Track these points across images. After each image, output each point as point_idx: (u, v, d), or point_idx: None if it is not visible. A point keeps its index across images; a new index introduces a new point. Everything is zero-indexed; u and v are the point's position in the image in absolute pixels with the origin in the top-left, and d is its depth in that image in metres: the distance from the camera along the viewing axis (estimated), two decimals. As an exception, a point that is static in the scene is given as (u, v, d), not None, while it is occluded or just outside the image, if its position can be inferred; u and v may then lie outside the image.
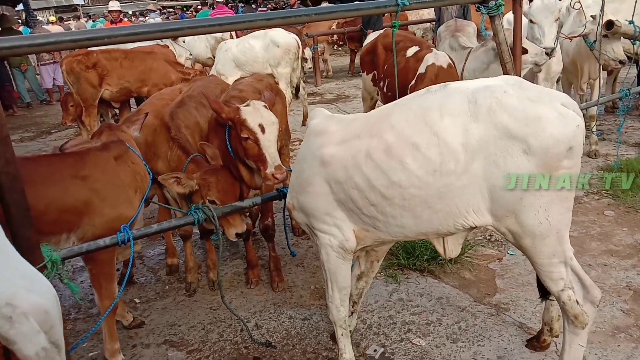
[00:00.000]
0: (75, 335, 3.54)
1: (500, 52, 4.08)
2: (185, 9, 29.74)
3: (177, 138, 3.57)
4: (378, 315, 3.49)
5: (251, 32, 8.45)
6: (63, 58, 8.44)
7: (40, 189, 2.76)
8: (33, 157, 3.32)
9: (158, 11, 28.57)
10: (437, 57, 4.41)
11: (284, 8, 18.71)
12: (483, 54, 5.10)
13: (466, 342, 3.16)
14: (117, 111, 8.32)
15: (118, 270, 3.72)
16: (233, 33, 9.65)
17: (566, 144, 2.17)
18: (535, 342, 3.04)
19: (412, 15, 12.62)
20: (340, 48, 14.81)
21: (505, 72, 4.04)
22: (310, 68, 12.23)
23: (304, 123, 8.14)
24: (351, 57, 13.20)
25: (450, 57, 4.50)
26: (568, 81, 6.21)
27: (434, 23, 9.73)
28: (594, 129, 5.99)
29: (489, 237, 4.35)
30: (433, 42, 6.70)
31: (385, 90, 4.89)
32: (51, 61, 11.92)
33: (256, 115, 3.10)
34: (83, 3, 34.87)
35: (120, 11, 11.31)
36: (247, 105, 3.11)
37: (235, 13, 16.03)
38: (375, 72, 5.07)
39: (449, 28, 5.93)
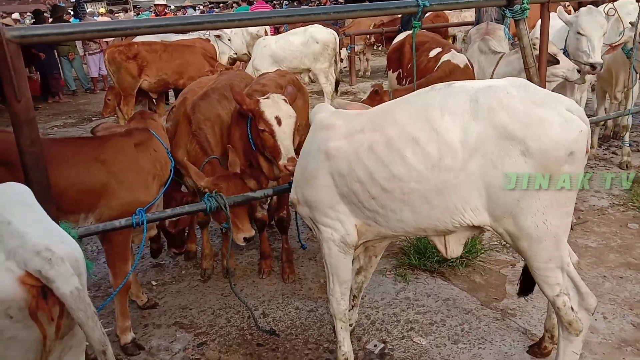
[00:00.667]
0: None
1: (524, 56, 4.03)
2: (221, 5, 30.27)
3: (197, 135, 3.70)
4: (383, 312, 3.53)
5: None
6: (106, 48, 8.80)
7: (63, 169, 2.95)
8: (58, 139, 3.54)
9: (195, 8, 29.11)
10: (454, 57, 4.43)
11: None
12: (516, 61, 5.03)
13: (467, 344, 3.17)
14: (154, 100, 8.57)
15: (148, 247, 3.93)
16: (268, 29, 9.82)
17: (567, 149, 2.16)
18: (537, 349, 3.03)
19: (453, 17, 12.50)
20: (380, 48, 14.82)
21: (529, 77, 4.00)
22: (345, 67, 12.31)
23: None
24: (388, 57, 13.19)
25: (469, 60, 4.50)
26: (602, 89, 6.06)
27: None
28: (627, 139, 5.82)
29: (504, 243, 4.31)
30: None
31: None
32: (98, 51, 12.38)
33: (274, 108, 3.19)
34: (134, -6, 35.90)
35: (165, 5, 11.67)
36: (266, 98, 3.21)
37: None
38: (400, 70, 5.11)
39: (480, 31, 5.88)
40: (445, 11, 12.98)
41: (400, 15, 9.59)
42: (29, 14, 16.52)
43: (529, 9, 3.74)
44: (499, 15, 6.83)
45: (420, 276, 3.93)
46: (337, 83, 9.10)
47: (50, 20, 12.53)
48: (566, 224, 2.32)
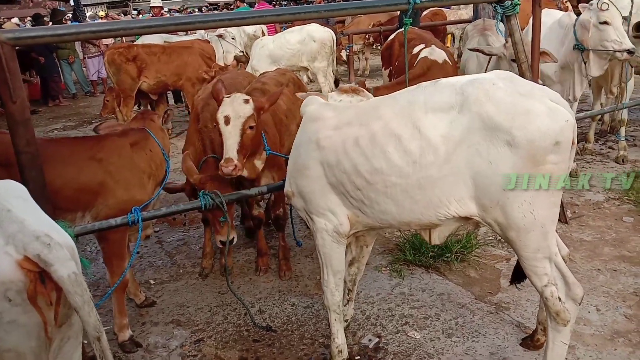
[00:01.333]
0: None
1: (516, 52, 4.06)
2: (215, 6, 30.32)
3: (202, 133, 3.76)
4: (378, 307, 3.57)
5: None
6: (106, 50, 8.86)
7: (60, 167, 3.02)
8: (55, 139, 3.58)
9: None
10: (432, 52, 4.48)
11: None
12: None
13: (461, 338, 3.20)
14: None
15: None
16: (265, 30, 9.87)
17: (553, 138, 2.19)
18: (530, 341, 3.06)
19: (450, 15, 12.54)
20: (379, 47, 14.84)
21: (521, 73, 4.03)
22: (344, 68, 12.34)
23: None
24: (387, 56, 13.22)
25: (448, 54, 4.59)
26: (598, 84, 6.08)
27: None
28: (622, 134, 5.84)
29: (499, 238, 4.33)
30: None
31: None
32: (97, 54, 12.44)
33: (227, 107, 3.17)
34: (134, -3, 36.03)
35: (161, 7, 11.73)
36: (228, 97, 3.21)
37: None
38: (390, 67, 5.15)
39: (477, 27, 5.91)
40: (444, 9, 13.08)
41: (397, 14, 9.62)
42: (29, 18, 16.61)
43: (519, 4, 3.76)
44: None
45: (416, 272, 3.96)
46: (336, 82, 9.14)
47: (50, 24, 12.58)
48: (553, 214, 2.35)
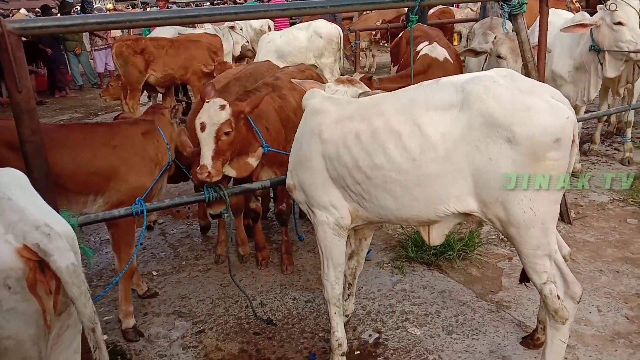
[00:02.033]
0: (94, 301, 3.78)
1: (522, 51, 4.05)
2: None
3: None
4: (379, 303, 3.57)
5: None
6: (113, 43, 8.89)
7: (74, 152, 3.11)
8: (70, 125, 3.71)
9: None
10: (433, 50, 4.48)
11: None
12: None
13: (461, 335, 3.20)
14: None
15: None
16: (271, 25, 9.87)
17: (553, 135, 2.19)
18: (530, 340, 3.06)
19: (457, 14, 12.50)
20: (386, 45, 14.80)
21: (527, 72, 4.02)
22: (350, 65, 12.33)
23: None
24: (394, 53, 13.21)
25: (451, 53, 4.60)
26: (605, 85, 6.03)
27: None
28: (629, 135, 5.81)
29: (502, 237, 4.33)
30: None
31: None
32: (104, 47, 12.48)
33: (204, 113, 3.17)
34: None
35: (167, 1, 11.75)
36: (207, 102, 3.20)
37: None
38: (398, 64, 5.15)
39: (484, 25, 5.89)
40: (452, 8, 13.03)
41: (405, 11, 9.60)
42: (37, 9, 16.67)
43: (526, 3, 3.75)
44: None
45: (417, 269, 3.97)
46: None
47: (59, 16, 12.62)
48: (554, 211, 2.34)
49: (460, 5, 14.21)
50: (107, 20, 2.75)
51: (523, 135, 2.16)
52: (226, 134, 3.15)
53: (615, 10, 4.79)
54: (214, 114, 3.14)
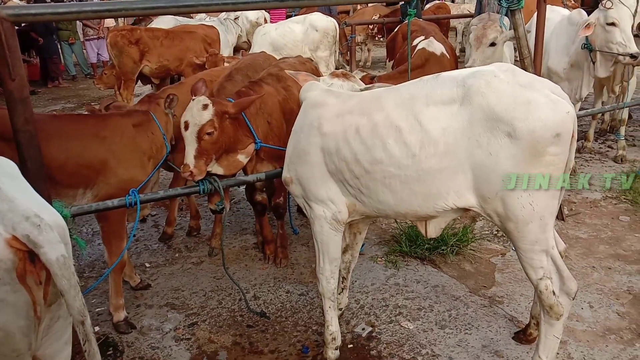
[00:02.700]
0: (90, 290, 3.76)
1: (519, 47, 4.05)
2: None
3: None
4: (372, 297, 3.58)
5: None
6: (109, 31, 8.82)
7: (64, 143, 3.05)
8: (60, 115, 3.61)
9: None
10: (430, 44, 4.50)
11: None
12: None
13: (454, 329, 3.21)
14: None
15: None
16: (267, 17, 9.82)
17: (554, 130, 2.19)
18: (522, 335, 3.08)
19: (453, 9, 12.49)
20: (381, 39, 14.77)
21: (523, 68, 4.01)
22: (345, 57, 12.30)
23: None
24: (389, 48, 13.19)
25: (447, 47, 4.62)
26: (600, 83, 6.05)
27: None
28: (622, 133, 5.84)
29: (496, 233, 4.35)
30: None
31: None
32: (95, 37, 12.37)
33: (187, 112, 3.14)
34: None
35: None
36: (193, 99, 3.16)
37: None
38: (394, 59, 5.14)
39: (482, 21, 5.88)
40: (448, 3, 13.02)
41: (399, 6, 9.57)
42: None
43: (524, -2, 3.75)
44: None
45: (411, 263, 3.97)
46: None
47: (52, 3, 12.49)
48: (552, 207, 2.35)
49: (457, 0, 14.19)
50: (103, 9, 2.71)
51: (524, 130, 2.16)
52: (209, 134, 3.10)
53: (610, 7, 4.81)
54: (196, 113, 3.10)
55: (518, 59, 4.22)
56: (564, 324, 2.49)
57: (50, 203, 2.79)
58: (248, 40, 9.44)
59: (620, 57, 4.71)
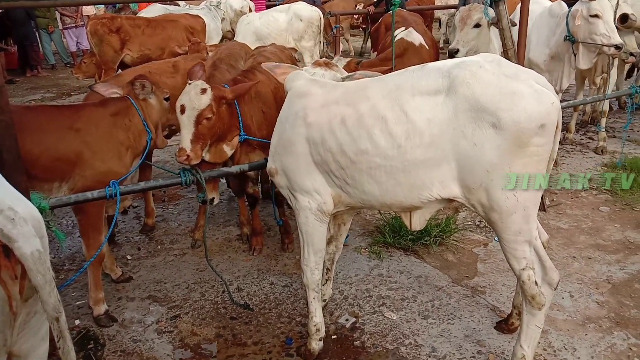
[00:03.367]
0: (68, 284, 3.70)
1: (502, 38, 4.07)
2: None
3: None
4: (356, 288, 3.58)
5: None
6: (89, 19, 8.65)
7: (37, 136, 2.95)
8: (34, 107, 3.50)
9: None
10: (408, 35, 4.55)
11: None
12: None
13: (436, 319, 3.23)
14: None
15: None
16: (252, 6, 9.72)
17: (538, 121, 2.20)
18: (504, 325, 3.10)
19: (438, 0, 12.47)
20: (361, 29, 14.70)
21: (507, 59, 4.02)
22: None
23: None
24: (373, 38, 13.16)
25: (427, 39, 4.67)
26: (582, 75, 6.11)
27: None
28: (603, 125, 5.91)
29: (478, 223, 4.38)
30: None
31: None
32: (73, 25, 12.11)
33: (185, 95, 3.11)
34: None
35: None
36: (189, 84, 3.13)
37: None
38: (377, 50, 5.15)
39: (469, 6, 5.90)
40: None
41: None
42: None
43: (508, -10, 3.75)
44: (485, -1, 6.85)
45: (394, 254, 3.98)
46: None
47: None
48: (536, 198, 2.36)
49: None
50: (79, -4, 2.64)
51: (508, 120, 2.16)
52: (207, 119, 3.09)
53: (595, 0, 4.83)
54: (194, 97, 3.07)
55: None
56: (546, 313, 2.52)
57: (29, 195, 2.76)
58: (232, 29, 9.34)
59: (605, 48, 4.76)
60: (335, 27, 11.46)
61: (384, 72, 2.93)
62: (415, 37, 4.78)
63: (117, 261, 3.88)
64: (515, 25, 4.34)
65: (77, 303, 3.51)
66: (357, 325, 3.21)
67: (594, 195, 4.89)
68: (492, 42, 5.12)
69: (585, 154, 5.93)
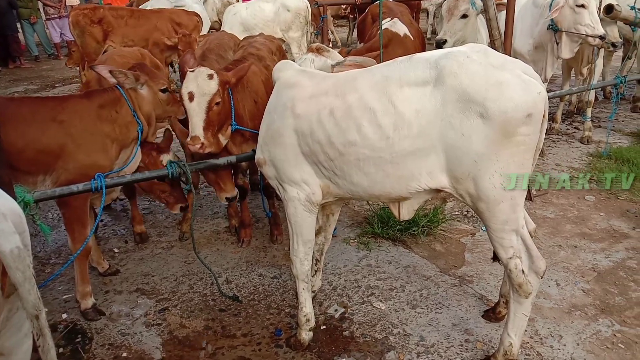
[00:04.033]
0: (53, 278, 3.66)
1: (490, 28, 4.06)
2: None
3: None
4: (345, 278, 3.59)
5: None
6: (71, 10, 8.51)
7: (20, 128, 2.90)
8: (17, 98, 3.43)
9: None
10: (393, 25, 4.59)
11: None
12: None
13: (425, 309, 3.25)
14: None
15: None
16: (240, -4, 9.64)
17: (525, 110, 2.20)
18: (491, 313, 3.13)
19: (425, -9, 12.46)
20: (352, 19, 14.64)
21: (494, 50, 4.03)
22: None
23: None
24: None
25: (413, 30, 4.68)
26: (568, 65, 6.15)
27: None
28: (589, 115, 5.96)
29: (466, 213, 4.40)
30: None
31: None
32: (56, 16, 11.92)
33: (191, 83, 3.06)
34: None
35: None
36: (192, 71, 3.09)
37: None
38: (364, 41, 5.14)
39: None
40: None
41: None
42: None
43: (495, -21, 3.75)
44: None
45: (383, 244, 4.00)
46: None
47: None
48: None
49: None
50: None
51: (496, 110, 2.17)
52: (217, 104, 3.06)
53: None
54: (203, 83, 3.03)
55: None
56: (533, 301, 2.54)
57: (12, 188, 2.72)
58: (219, 19, 9.25)
59: (590, 39, 4.78)
60: (322, 17, 11.43)
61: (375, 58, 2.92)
62: (399, 28, 4.78)
63: (104, 254, 3.86)
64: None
65: (64, 297, 3.48)
66: (346, 315, 3.22)
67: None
68: (479, 32, 5.14)
69: (571, 144, 5.98)
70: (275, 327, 3.14)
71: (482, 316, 3.16)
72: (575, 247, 3.91)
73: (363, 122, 2.36)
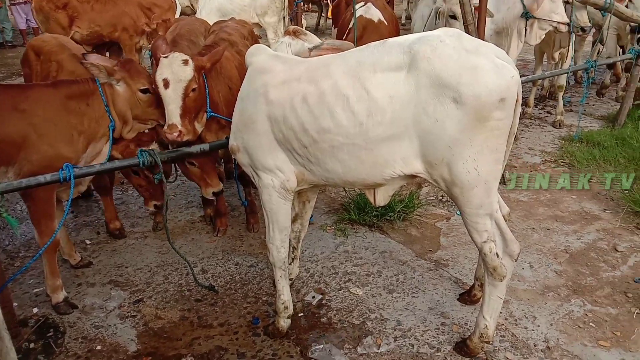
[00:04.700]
0: (23, 272, 3.56)
1: (463, 13, 4.07)
2: None
3: None
4: (322, 265, 3.58)
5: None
6: (32, -3, 8.23)
7: None
8: None
9: None
10: (367, 11, 4.62)
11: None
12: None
13: (401, 293, 3.27)
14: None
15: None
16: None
17: (498, 94, 2.19)
18: (467, 296, 3.17)
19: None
20: (325, 5, 14.53)
21: (467, 34, 4.03)
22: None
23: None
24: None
25: (387, 14, 4.72)
26: (540, 50, 6.21)
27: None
28: (562, 99, 6.04)
29: (441, 198, 4.43)
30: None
31: None
32: (22, 1, 11.53)
33: (165, 69, 2.97)
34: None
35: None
36: (166, 57, 3.01)
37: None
38: (338, 26, 5.11)
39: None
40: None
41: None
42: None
43: (469, -36, 3.74)
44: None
45: (360, 230, 4.00)
46: None
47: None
48: (497, 171, 2.37)
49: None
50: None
51: (469, 95, 2.15)
52: (193, 90, 2.99)
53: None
54: (178, 69, 2.95)
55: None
56: (507, 284, 2.57)
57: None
58: (191, 5, 9.05)
59: (563, 27, 4.88)
60: (296, 2, 11.31)
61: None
62: (373, 13, 4.78)
63: (76, 246, 3.77)
64: None
65: (35, 290, 3.40)
66: (324, 302, 3.22)
67: (552, 168, 5.01)
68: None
69: (544, 128, 6.06)
70: (253, 315, 3.12)
71: (458, 299, 3.19)
72: (548, 229, 3.98)
73: (336, 108, 2.33)
